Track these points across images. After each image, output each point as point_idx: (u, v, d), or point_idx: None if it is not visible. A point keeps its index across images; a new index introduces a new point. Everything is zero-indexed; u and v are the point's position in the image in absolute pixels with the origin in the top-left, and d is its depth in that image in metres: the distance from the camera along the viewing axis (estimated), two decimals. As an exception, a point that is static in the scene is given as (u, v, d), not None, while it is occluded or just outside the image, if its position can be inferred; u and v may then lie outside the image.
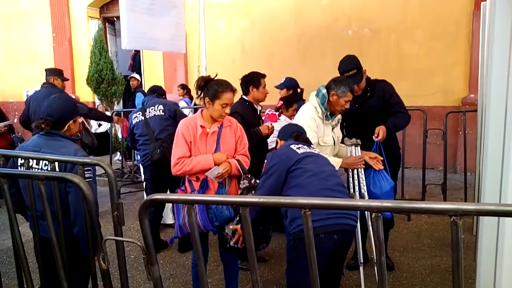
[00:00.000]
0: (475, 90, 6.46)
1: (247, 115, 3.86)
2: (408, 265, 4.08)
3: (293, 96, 4.92)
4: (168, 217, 5.18)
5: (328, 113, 3.27)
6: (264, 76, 4.03)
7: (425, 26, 7.43)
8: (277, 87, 5.08)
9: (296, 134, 2.90)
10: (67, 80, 6.20)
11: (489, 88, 2.61)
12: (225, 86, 2.97)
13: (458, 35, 7.25)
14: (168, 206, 4.97)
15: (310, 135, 3.12)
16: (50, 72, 5.91)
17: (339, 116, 3.37)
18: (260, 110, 4.09)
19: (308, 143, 2.86)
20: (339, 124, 3.48)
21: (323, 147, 3.28)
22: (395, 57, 7.59)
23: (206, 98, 2.95)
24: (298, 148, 2.73)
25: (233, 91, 2.99)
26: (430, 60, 7.41)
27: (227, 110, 2.95)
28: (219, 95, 2.92)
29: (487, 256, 2.57)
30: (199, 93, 3.05)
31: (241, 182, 2.98)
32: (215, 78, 3.04)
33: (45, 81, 5.87)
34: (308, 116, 3.31)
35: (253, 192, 2.91)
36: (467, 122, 5.66)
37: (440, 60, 7.36)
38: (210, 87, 2.95)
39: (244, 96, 4.01)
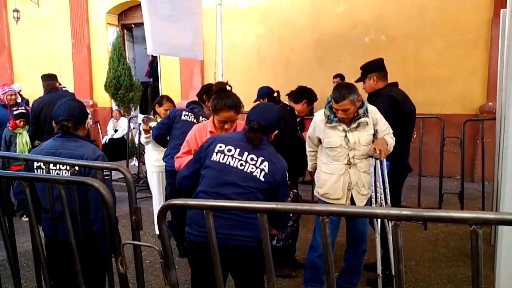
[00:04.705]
0: (493, 98, 6.39)
1: (288, 119, 3.95)
2: (424, 274, 4.03)
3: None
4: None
5: (332, 116, 3.25)
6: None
7: (443, 33, 7.38)
8: (254, 101, 4.95)
9: (252, 126, 2.53)
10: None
11: (509, 96, 2.59)
12: (223, 103, 2.95)
13: (477, 43, 7.18)
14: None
15: (309, 132, 3.46)
16: (50, 77, 6.04)
17: (363, 119, 3.23)
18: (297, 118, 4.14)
19: (255, 141, 2.50)
20: (368, 127, 3.28)
21: (328, 148, 3.29)
22: (413, 65, 7.54)
23: (211, 108, 3.01)
24: (220, 151, 2.51)
25: (234, 109, 2.94)
26: (448, 68, 7.35)
27: (227, 126, 2.95)
28: (217, 111, 2.97)
29: (507, 266, 2.54)
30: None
31: None
32: (227, 89, 3.06)
33: (49, 87, 5.98)
34: (313, 119, 3.44)
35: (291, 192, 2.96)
36: (485, 131, 5.59)
37: (458, 68, 7.30)
38: (213, 99, 2.98)
39: (285, 102, 4.06)
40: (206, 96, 4.82)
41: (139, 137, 7.94)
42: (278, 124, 2.67)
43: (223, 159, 2.49)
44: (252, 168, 2.47)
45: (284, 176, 2.57)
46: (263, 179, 2.46)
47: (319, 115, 3.37)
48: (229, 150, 2.50)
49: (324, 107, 3.33)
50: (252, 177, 2.46)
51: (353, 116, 3.24)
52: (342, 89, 3.17)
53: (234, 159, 2.48)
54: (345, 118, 3.23)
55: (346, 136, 3.23)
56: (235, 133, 2.67)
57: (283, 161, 2.58)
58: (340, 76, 7.43)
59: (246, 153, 2.49)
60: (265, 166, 2.48)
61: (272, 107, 2.76)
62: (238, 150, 2.50)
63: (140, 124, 5.56)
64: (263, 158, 2.49)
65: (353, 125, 3.24)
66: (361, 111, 3.25)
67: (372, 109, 3.34)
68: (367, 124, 3.26)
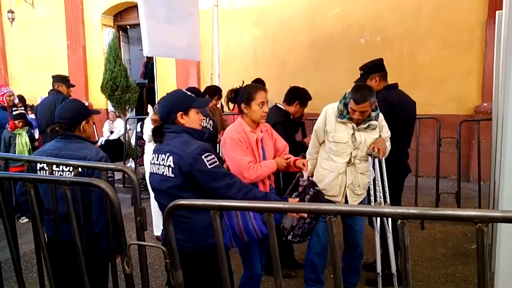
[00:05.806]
0: (488, 99, 6.46)
1: (287, 125, 3.93)
2: (423, 274, 4.06)
3: None
4: (158, 228, 4.84)
5: (345, 112, 3.26)
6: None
7: (438, 34, 7.44)
8: None
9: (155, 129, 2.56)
10: (72, 86, 6.27)
11: (507, 97, 2.61)
12: (255, 87, 3.02)
13: (471, 44, 7.25)
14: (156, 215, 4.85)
15: (317, 125, 3.43)
16: (55, 79, 6.05)
17: (374, 123, 3.27)
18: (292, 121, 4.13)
19: (157, 139, 2.52)
20: (375, 132, 3.32)
21: (332, 143, 3.30)
22: (408, 66, 7.58)
23: (242, 104, 2.97)
24: (151, 163, 2.54)
25: (265, 90, 3.00)
26: (443, 69, 7.41)
27: (266, 109, 2.95)
28: (253, 96, 2.94)
29: (505, 264, 2.57)
30: (231, 106, 3.09)
31: (301, 180, 3.00)
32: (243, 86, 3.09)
33: (51, 88, 6.00)
34: (324, 111, 3.41)
35: (312, 189, 2.98)
36: (480, 131, 5.63)
37: (453, 69, 7.36)
38: (242, 93, 2.98)
39: (279, 105, 4.05)
40: (208, 96, 4.96)
41: (136, 139, 7.95)
42: (180, 103, 2.53)
43: (151, 169, 2.55)
44: (164, 168, 2.43)
45: (195, 163, 2.32)
46: (172, 175, 2.38)
47: (332, 109, 3.36)
48: (153, 159, 2.52)
49: (339, 102, 3.33)
50: (165, 178, 2.41)
51: None
52: (364, 91, 3.16)
53: (155, 165, 2.50)
54: (360, 120, 3.23)
55: (353, 134, 3.25)
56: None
57: (192, 148, 2.37)
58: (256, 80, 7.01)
59: (159, 155, 2.48)
60: (170, 161, 2.39)
61: (167, 95, 2.70)
62: (156, 155, 2.50)
63: (140, 123, 5.54)
64: (169, 153, 2.41)
65: (363, 125, 3.26)
66: (373, 114, 3.27)
67: (380, 115, 3.37)
68: (375, 129, 3.30)
